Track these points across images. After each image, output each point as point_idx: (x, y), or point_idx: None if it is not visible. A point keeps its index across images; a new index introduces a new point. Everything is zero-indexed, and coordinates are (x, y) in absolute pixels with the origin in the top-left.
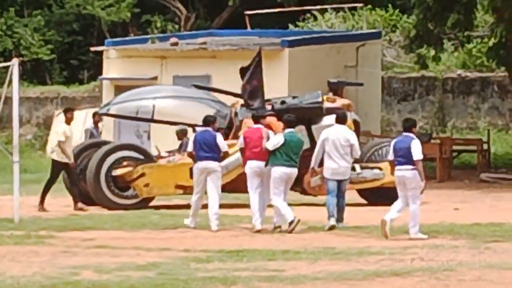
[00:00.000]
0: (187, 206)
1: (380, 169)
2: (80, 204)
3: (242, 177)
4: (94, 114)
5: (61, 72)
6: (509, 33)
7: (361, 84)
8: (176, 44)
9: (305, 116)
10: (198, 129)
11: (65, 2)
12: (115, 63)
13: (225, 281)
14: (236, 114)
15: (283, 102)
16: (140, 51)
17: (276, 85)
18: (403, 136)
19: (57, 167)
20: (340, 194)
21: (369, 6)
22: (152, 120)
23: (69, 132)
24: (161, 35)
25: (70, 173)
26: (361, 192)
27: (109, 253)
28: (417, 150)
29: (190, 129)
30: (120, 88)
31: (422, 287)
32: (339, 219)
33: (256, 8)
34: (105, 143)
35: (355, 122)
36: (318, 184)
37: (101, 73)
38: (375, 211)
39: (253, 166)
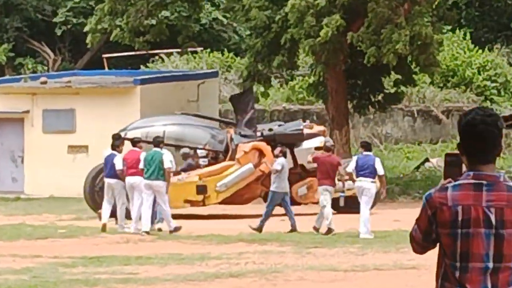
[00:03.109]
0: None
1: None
2: None
3: (238, 192)
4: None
5: None
6: (326, 72)
7: (205, 116)
8: (45, 82)
9: (289, 141)
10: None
11: None
12: None
13: (87, 283)
14: (232, 139)
15: (270, 130)
16: (14, 89)
17: (130, 118)
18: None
19: None
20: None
21: (208, 49)
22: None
23: None
24: (32, 75)
25: None
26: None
27: None
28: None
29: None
30: None
31: (254, 286)
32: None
33: (112, 51)
34: None
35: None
36: (304, 193)
37: None
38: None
39: (131, 181)
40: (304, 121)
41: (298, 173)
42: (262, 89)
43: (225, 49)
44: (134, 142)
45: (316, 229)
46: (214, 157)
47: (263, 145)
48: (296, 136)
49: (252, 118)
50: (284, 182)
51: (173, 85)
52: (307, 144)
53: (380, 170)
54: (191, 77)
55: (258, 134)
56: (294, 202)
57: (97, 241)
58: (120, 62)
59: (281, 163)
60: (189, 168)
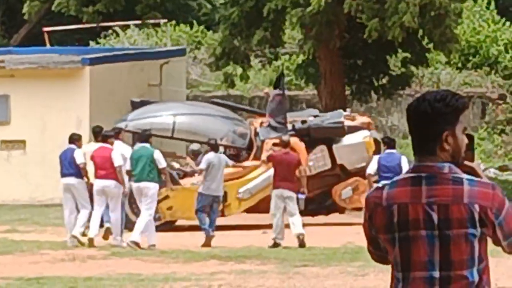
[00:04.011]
0: None
1: None
2: None
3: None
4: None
5: None
6: (318, 50)
7: None
8: None
9: (327, 136)
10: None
11: None
12: None
13: None
14: (256, 133)
15: (304, 122)
16: None
17: (77, 105)
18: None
19: None
20: None
21: (173, 22)
22: (171, 137)
23: None
24: None
25: None
26: None
27: None
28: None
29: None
30: None
31: None
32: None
33: (55, 24)
34: None
35: (376, 141)
36: (349, 196)
37: None
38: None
39: (101, 185)
40: (345, 110)
41: (337, 175)
42: (239, 70)
43: (194, 21)
44: (104, 137)
45: (300, 239)
46: (235, 155)
47: (295, 142)
48: (335, 130)
49: (283, 107)
50: (214, 183)
51: (130, 66)
52: (348, 139)
53: None
54: (153, 55)
55: (289, 127)
56: (337, 208)
57: (36, 259)
58: (65, 37)
59: (208, 160)
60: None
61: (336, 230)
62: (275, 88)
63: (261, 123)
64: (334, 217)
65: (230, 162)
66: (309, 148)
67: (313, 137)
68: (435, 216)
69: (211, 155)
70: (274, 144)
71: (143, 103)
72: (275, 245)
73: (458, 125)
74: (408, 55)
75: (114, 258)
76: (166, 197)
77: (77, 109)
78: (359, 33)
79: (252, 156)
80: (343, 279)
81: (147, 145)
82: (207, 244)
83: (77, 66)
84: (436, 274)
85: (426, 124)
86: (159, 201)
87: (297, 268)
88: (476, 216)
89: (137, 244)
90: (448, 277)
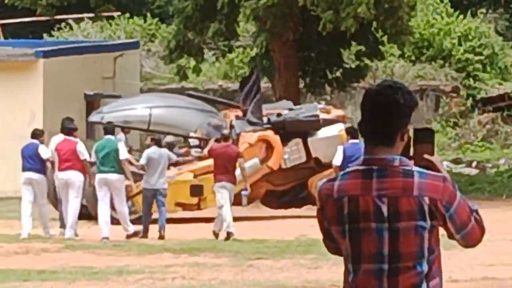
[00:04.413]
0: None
1: None
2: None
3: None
4: None
5: None
6: (272, 43)
7: (119, 96)
8: None
9: (302, 129)
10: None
11: None
12: None
13: None
14: (232, 126)
15: (279, 115)
16: None
17: (31, 97)
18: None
19: None
20: None
21: (127, 15)
22: (147, 130)
23: None
24: None
25: None
26: None
27: None
28: None
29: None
30: None
31: None
32: None
33: (9, 17)
34: None
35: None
36: None
37: None
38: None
39: (65, 177)
40: (319, 103)
41: (312, 168)
42: (193, 63)
43: (148, 14)
44: (69, 130)
45: (216, 234)
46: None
47: (271, 136)
48: (311, 123)
49: (258, 101)
50: (153, 178)
51: (84, 59)
52: (323, 132)
53: None
54: (106, 48)
55: (265, 120)
56: (312, 200)
57: None
58: (19, 30)
59: (147, 155)
60: (178, 162)
61: (290, 223)
62: (244, 83)
63: (237, 116)
64: (288, 210)
65: (174, 157)
66: (284, 141)
67: (288, 130)
68: (385, 209)
69: (150, 150)
70: (217, 140)
71: (96, 96)
72: (229, 235)
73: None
74: (362, 48)
75: (67, 251)
76: (141, 191)
77: (30, 102)
78: (313, 25)
79: None
80: (296, 272)
81: (111, 137)
82: (144, 236)
83: (31, 59)
84: (385, 266)
85: (394, 113)
86: (135, 195)
87: (250, 261)
88: (426, 209)
89: (107, 238)
90: (397, 269)
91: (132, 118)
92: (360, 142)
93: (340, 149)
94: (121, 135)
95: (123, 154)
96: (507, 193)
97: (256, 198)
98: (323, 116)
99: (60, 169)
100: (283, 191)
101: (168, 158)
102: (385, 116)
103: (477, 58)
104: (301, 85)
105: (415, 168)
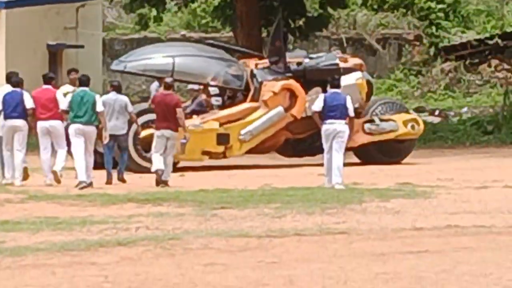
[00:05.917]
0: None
1: (394, 121)
2: None
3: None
4: None
5: None
6: None
7: (81, 46)
8: None
9: (322, 78)
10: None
11: None
12: None
13: None
14: (253, 75)
15: (299, 64)
16: None
17: None
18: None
19: None
20: None
21: None
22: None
23: None
24: None
25: None
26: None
27: None
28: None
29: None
30: None
31: (148, 256)
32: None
33: None
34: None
35: (368, 82)
36: None
37: None
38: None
39: (46, 125)
40: (335, 51)
41: None
42: (154, 12)
43: None
44: (48, 78)
45: (164, 182)
46: (231, 97)
47: (294, 85)
48: (331, 71)
49: (279, 50)
50: (111, 123)
51: (46, 9)
52: (342, 81)
53: (352, 111)
54: None
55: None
56: None
57: None
58: None
59: (102, 100)
60: (200, 110)
61: (253, 173)
62: (274, 36)
63: (256, 65)
64: (252, 159)
65: (130, 108)
66: (304, 90)
67: (309, 79)
68: None
69: (107, 96)
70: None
71: (59, 46)
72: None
73: None
74: None
75: (31, 202)
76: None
77: None
78: None
79: (249, 98)
80: (260, 221)
81: (86, 89)
82: (108, 182)
83: None
84: None
85: None
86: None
87: (214, 210)
88: None
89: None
90: None
91: (155, 67)
92: (341, 92)
93: (321, 96)
94: (156, 83)
95: (100, 106)
96: (470, 141)
97: (275, 146)
98: (341, 64)
99: (41, 118)
100: (300, 139)
101: (125, 105)
102: None
103: (439, 6)
104: (264, 33)
105: None
